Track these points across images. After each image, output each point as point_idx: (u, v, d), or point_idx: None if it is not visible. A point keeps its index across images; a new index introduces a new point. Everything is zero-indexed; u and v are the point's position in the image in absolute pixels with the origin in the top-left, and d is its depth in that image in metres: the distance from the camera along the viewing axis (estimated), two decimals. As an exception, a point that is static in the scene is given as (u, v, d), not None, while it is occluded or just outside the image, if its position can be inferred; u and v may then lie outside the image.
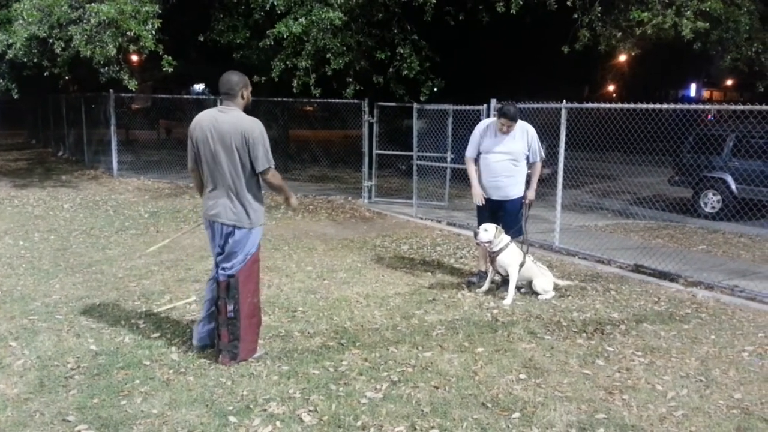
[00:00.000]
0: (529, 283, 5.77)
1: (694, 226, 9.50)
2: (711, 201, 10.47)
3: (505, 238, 5.68)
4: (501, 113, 5.73)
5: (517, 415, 3.53)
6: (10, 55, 10.30)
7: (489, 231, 5.62)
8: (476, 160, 6.07)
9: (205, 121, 3.94)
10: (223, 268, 4.01)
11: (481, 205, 6.00)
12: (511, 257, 5.63)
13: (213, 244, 4.13)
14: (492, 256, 5.70)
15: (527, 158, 5.90)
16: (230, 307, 3.96)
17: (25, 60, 10.61)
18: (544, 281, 5.73)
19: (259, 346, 4.28)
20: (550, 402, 3.69)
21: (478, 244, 5.84)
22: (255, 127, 3.87)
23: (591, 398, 3.77)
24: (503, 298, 5.59)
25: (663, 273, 6.58)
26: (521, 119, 5.88)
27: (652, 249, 7.51)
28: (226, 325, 3.99)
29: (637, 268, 6.79)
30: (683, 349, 4.59)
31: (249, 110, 4.10)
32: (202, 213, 4.17)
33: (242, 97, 3.99)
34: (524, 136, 5.83)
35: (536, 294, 5.71)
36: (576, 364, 4.27)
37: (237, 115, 3.90)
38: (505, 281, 5.74)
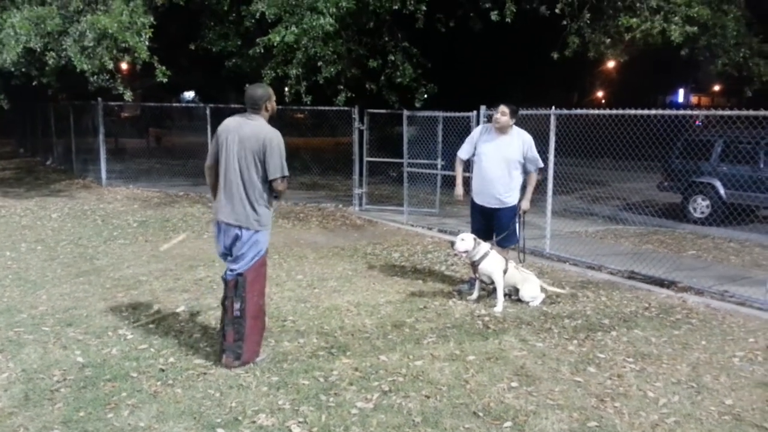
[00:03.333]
0: (516, 291, 5.76)
1: (684, 231, 9.53)
2: (700, 206, 10.51)
3: (485, 246, 5.66)
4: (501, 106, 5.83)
5: (509, 424, 3.51)
6: None
7: (466, 240, 5.62)
8: (467, 164, 6.15)
9: (232, 125, 4.17)
10: (232, 269, 4.15)
11: (460, 199, 6.24)
12: (493, 265, 5.62)
13: (218, 242, 4.29)
14: (474, 265, 5.70)
15: (523, 167, 5.88)
16: (237, 306, 4.10)
17: (13, 70, 10.53)
18: (531, 288, 5.72)
19: (262, 350, 4.34)
20: (542, 410, 3.67)
21: (455, 254, 5.84)
22: (274, 136, 4.08)
23: (583, 406, 3.75)
24: (494, 306, 5.58)
25: (653, 279, 6.59)
26: (517, 125, 5.91)
27: (643, 255, 7.52)
28: (232, 324, 4.12)
29: (628, 274, 6.80)
30: (674, 355, 4.59)
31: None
32: (213, 211, 4.34)
33: (266, 110, 4.21)
34: (520, 143, 5.82)
35: (526, 302, 5.70)
36: (567, 371, 4.26)
37: (260, 123, 4.14)
38: (494, 289, 5.72)
